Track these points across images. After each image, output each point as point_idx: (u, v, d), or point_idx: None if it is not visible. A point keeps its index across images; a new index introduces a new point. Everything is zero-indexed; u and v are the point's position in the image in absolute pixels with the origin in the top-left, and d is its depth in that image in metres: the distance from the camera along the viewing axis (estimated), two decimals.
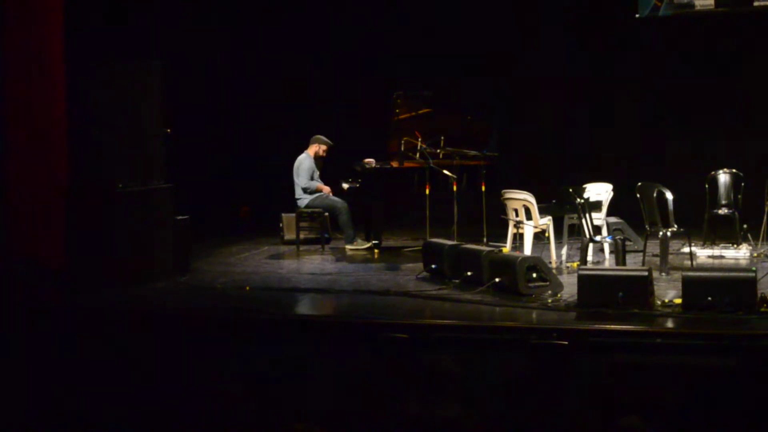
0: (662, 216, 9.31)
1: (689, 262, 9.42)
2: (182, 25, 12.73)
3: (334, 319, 7.96)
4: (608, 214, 10.05)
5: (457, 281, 8.68)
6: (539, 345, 6.74)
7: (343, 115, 13.01)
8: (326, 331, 7.53)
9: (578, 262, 9.09)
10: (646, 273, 7.66)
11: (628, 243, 9.45)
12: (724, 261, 9.73)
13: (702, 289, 7.38)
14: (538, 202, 9.57)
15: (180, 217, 9.62)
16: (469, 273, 8.58)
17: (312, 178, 11.04)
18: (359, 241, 10.91)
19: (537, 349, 6.71)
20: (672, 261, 9.34)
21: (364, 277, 9.27)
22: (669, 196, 9.40)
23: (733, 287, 7.34)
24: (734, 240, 10.14)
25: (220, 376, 4.85)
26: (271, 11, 13.64)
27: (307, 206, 11.02)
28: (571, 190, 9.26)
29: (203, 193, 12.57)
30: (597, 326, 7.12)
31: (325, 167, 11.29)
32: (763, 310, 7.24)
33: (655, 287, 7.79)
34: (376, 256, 10.58)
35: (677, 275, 8.28)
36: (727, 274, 7.69)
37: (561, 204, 9.51)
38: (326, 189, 11.04)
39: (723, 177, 10.52)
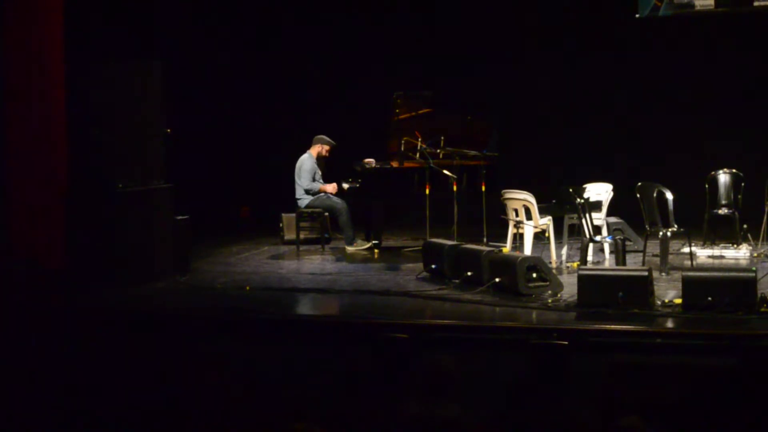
0: (662, 216, 9.31)
1: (689, 262, 9.42)
2: (182, 25, 12.74)
3: (334, 319, 7.96)
4: (608, 214, 10.06)
5: (457, 281, 8.68)
6: (539, 345, 6.74)
7: (343, 115, 13.01)
8: (326, 331, 7.53)
9: (578, 262, 9.09)
10: (646, 273, 7.66)
11: (628, 243, 9.45)
12: (724, 261, 9.73)
13: (702, 289, 7.38)
14: (538, 202, 9.57)
15: (180, 217, 9.62)
16: (469, 273, 8.58)
17: (314, 179, 11.03)
18: (359, 241, 10.91)
19: (537, 349, 6.71)
20: (672, 261, 9.34)
21: (364, 277, 9.27)
22: (669, 196, 9.40)
23: (733, 287, 7.34)
24: (734, 240, 10.14)
25: (220, 376, 4.85)
26: (272, 11, 13.64)
27: (307, 206, 11.01)
28: (571, 190, 9.26)
29: (203, 193, 12.57)
30: (597, 326, 7.12)
31: (325, 167, 11.29)
32: (763, 310, 7.24)
33: (655, 287, 7.79)
34: (376, 256, 10.58)
35: (677, 275, 8.28)
36: (727, 274, 7.69)
37: (561, 204, 9.51)
38: (329, 188, 11.00)
39: (723, 177, 10.52)
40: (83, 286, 8.64)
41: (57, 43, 9.14)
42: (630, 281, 7.60)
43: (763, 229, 9.86)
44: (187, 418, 4.59)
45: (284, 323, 7.76)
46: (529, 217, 9.60)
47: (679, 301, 7.55)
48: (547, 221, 9.58)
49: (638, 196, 9.42)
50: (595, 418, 4.41)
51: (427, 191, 10.65)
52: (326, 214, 11.11)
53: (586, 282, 7.68)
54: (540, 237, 9.82)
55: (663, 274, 8.85)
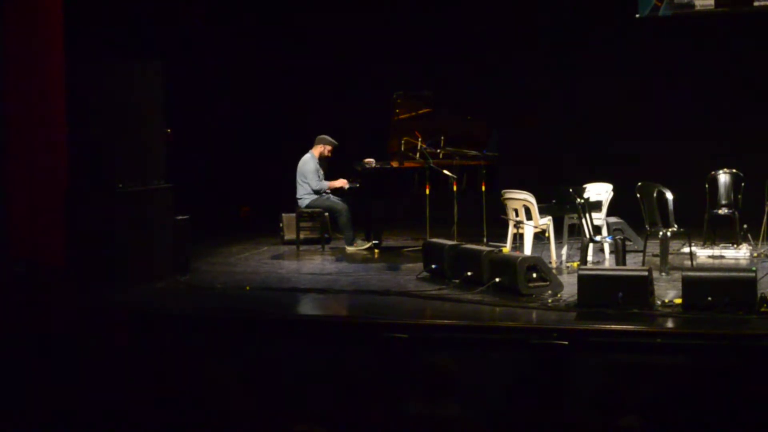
0: (662, 216, 9.31)
1: (689, 262, 9.43)
2: (182, 25, 12.74)
3: (334, 319, 7.96)
4: (608, 214, 10.06)
5: (457, 281, 8.68)
6: (539, 345, 6.74)
7: (343, 115, 13.01)
8: (326, 331, 7.54)
9: (578, 262, 9.09)
10: (646, 273, 7.66)
11: (628, 243, 9.45)
12: (724, 261, 9.74)
13: (702, 289, 7.38)
14: (538, 202, 9.57)
15: (180, 217, 9.62)
16: (469, 273, 8.58)
17: (318, 179, 11.02)
18: (359, 242, 10.91)
19: (537, 349, 6.71)
20: (672, 261, 9.34)
21: (364, 277, 9.27)
22: (669, 196, 9.40)
23: (733, 287, 7.34)
24: (734, 240, 10.14)
25: (220, 376, 4.84)
26: (272, 11, 13.64)
27: (307, 206, 11.01)
28: (571, 190, 9.26)
29: (203, 193, 12.57)
30: (597, 326, 7.12)
31: (327, 167, 11.28)
32: (763, 310, 7.24)
33: (655, 287, 7.79)
34: (376, 256, 10.58)
35: (677, 275, 8.28)
36: (727, 274, 7.70)
37: (561, 204, 9.51)
38: (338, 183, 10.98)
39: (723, 177, 10.52)
40: (83, 285, 8.64)
41: (57, 43, 9.14)
42: (630, 281, 7.60)
43: (763, 229, 9.87)
44: (187, 418, 4.59)
45: (284, 323, 7.76)
46: (529, 217, 9.60)
47: (679, 301, 7.55)
48: (547, 221, 9.58)
49: (638, 196, 9.42)
50: (595, 418, 4.40)
51: (427, 191, 10.65)
52: (326, 214, 11.11)
53: (586, 282, 7.68)
54: (540, 237, 9.82)
55: (663, 274, 8.85)
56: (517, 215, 9.69)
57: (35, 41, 9.07)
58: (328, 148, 11.15)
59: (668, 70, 12.82)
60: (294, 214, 11.25)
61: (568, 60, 13.07)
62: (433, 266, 9.08)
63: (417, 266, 9.49)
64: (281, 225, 11.60)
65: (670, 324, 7.30)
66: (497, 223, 10.37)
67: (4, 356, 6.46)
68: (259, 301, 8.41)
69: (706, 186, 10.50)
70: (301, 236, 11.15)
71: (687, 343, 6.77)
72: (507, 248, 9.66)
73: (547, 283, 8.20)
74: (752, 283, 7.36)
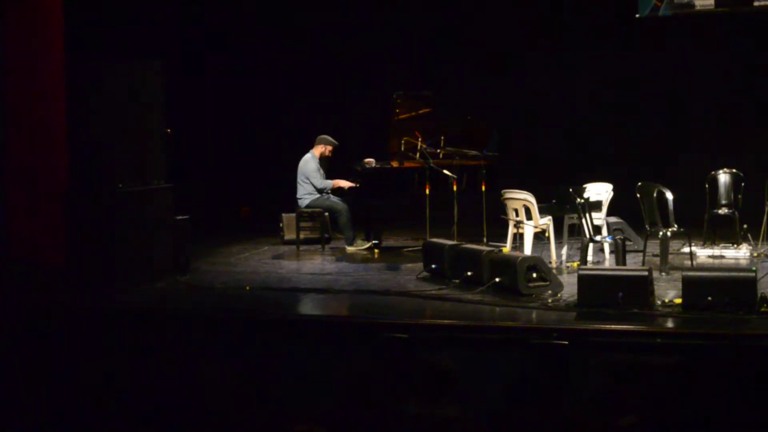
0: (662, 216, 9.31)
1: (689, 262, 9.43)
2: (182, 25, 12.74)
3: (334, 319, 7.96)
4: (608, 214, 10.06)
5: (457, 281, 8.68)
6: (539, 345, 6.74)
7: (343, 115, 13.01)
8: (326, 331, 7.53)
9: (578, 262, 9.09)
10: (646, 273, 7.66)
11: (628, 243, 9.45)
12: (724, 261, 9.74)
13: (702, 289, 7.38)
14: (538, 202, 9.57)
15: (180, 217, 9.62)
16: (469, 273, 8.58)
17: (321, 177, 11.02)
18: (359, 242, 10.91)
19: (537, 349, 6.71)
20: (672, 261, 9.34)
21: (364, 277, 9.27)
22: (669, 196, 9.40)
23: (733, 287, 7.34)
24: (734, 240, 10.15)
25: (220, 376, 4.84)
26: (271, 11, 13.64)
27: (307, 206, 11.01)
28: (571, 190, 9.26)
29: (203, 193, 12.58)
30: (597, 326, 7.12)
31: (327, 167, 11.28)
32: (763, 310, 7.24)
33: (655, 287, 7.79)
34: (376, 256, 10.58)
35: (677, 275, 8.28)
36: (727, 274, 7.70)
37: (561, 204, 9.51)
38: (344, 183, 10.97)
39: (723, 177, 10.52)
40: (83, 285, 8.64)
41: (57, 43, 9.15)
42: (630, 281, 7.60)
43: (763, 229, 9.86)
44: (186, 418, 4.59)
45: (284, 323, 7.76)
46: (529, 217, 9.60)
47: (679, 301, 7.55)
48: (547, 221, 9.58)
49: (638, 196, 9.41)
50: (595, 418, 4.40)
51: (427, 191, 10.65)
52: (326, 214, 11.11)
53: (586, 282, 7.67)
54: (540, 237, 9.82)
55: (663, 274, 8.85)
56: (517, 215, 9.69)
57: (35, 41, 9.08)
58: (329, 148, 11.15)
59: (668, 70, 12.82)
60: (294, 214, 11.25)
61: (568, 60, 13.06)
62: (433, 266, 9.08)
63: (417, 266, 9.49)
64: (281, 225, 11.61)
65: (670, 324, 7.30)
66: (497, 223, 10.37)
67: (3, 356, 6.46)
68: (259, 301, 8.41)
69: (706, 186, 10.50)
70: (301, 236, 11.15)
71: (687, 343, 6.77)
72: (507, 248, 9.66)
73: (547, 283, 8.20)
74: (752, 283, 7.35)
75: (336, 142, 11.16)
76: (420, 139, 10.96)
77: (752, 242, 10.01)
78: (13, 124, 9.06)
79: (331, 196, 11.02)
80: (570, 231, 9.75)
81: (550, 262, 9.35)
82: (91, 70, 9.14)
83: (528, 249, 9.53)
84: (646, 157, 12.59)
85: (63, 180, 9.13)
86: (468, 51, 13.28)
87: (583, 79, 13.00)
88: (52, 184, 9.09)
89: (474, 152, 11.11)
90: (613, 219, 10.16)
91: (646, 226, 9.39)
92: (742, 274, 7.62)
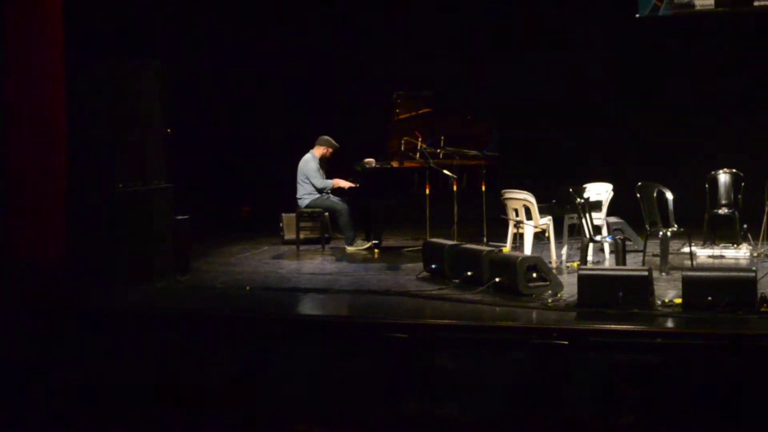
0: (662, 216, 9.31)
1: (689, 262, 9.42)
2: (182, 25, 12.74)
3: (334, 319, 7.96)
4: (608, 214, 10.05)
5: (457, 281, 8.67)
6: (539, 345, 6.74)
7: (343, 115, 13.01)
8: (326, 331, 7.53)
9: (578, 262, 9.08)
10: (646, 273, 7.66)
11: (628, 243, 9.45)
12: (724, 261, 9.73)
13: (702, 289, 7.37)
14: (538, 202, 9.57)
15: (180, 217, 9.62)
16: (469, 273, 8.57)
17: (321, 177, 11.02)
18: (359, 242, 10.91)
19: (537, 349, 6.71)
20: (672, 261, 9.34)
21: (364, 277, 9.27)
22: (669, 196, 9.40)
23: (733, 287, 7.34)
24: (734, 240, 10.14)
25: (220, 376, 4.85)
26: (271, 11, 13.64)
27: (307, 206, 11.01)
28: (571, 190, 9.25)
29: (203, 193, 12.58)
30: (597, 326, 7.12)
31: (327, 168, 11.28)
32: (763, 310, 7.24)
33: (655, 287, 7.79)
34: (376, 256, 10.58)
35: (677, 275, 8.28)
36: (727, 274, 7.69)
37: (561, 204, 9.51)
38: (344, 183, 10.97)
39: (723, 177, 10.52)
40: (83, 285, 8.64)
41: (57, 43, 9.14)
42: (630, 281, 7.60)
43: (763, 229, 9.86)
44: (186, 418, 4.59)
45: (284, 323, 7.76)
46: (529, 217, 9.60)
47: (679, 301, 7.55)
48: (547, 221, 9.58)
49: (638, 196, 9.41)
50: (595, 418, 4.41)
51: (427, 191, 10.65)
52: (326, 214, 11.11)
53: (586, 282, 7.67)
54: (540, 237, 9.82)
55: (663, 274, 8.85)
56: (517, 215, 9.69)
57: (35, 41, 9.07)
58: (330, 150, 11.14)
59: (668, 70, 12.82)
60: (294, 214, 11.25)
61: (568, 60, 13.06)
62: (433, 266, 9.08)
63: (417, 266, 9.49)
64: (281, 225, 11.61)
65: (670, 324, 7.30)
66: (497, 223, 10.37)
67: (4, 356, 6.46)
68: (259, 301, 8.40)
69: (706, 186, 10.49)
70: (301, 236, 11.15)
71: (687, 343, 6.77)
72: (507, 248, 9.66)
73: (547, 283, 8.20)
74: (752, 283, 7.35)
75: (337, 145, 11.15)
76: (420, 139, 10.96)
77: (752, 242, 10.01)
78: (13, 124, 9.05)
79: (331, 196, 11.02)
80: (570, 231, 9.75)
81: (550, 262, 9.35)
82: (91, 70, 9.14)
83: (528, 249, 9.53)
84: (646, 157, 12.59)
85: (63, 180, 9.13)
86: (468, 50, 13.28)
87: (583, 78, 13.00)
88: (52, 184, 9.08)
89: (474, 152, 11.11)
90: (613, 219, 10.15)
91: (646, 226, 9.39)
92: (742, 274, 7.61)
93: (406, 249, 10.99)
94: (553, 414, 4.47)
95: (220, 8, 13.41)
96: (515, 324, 7.36)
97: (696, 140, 12.50)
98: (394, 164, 10.97)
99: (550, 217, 9.62)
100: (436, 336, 7.23)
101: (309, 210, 11.05)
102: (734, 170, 10.51)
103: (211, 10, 13.33)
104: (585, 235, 9.03)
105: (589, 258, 9.19)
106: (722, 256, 9.86)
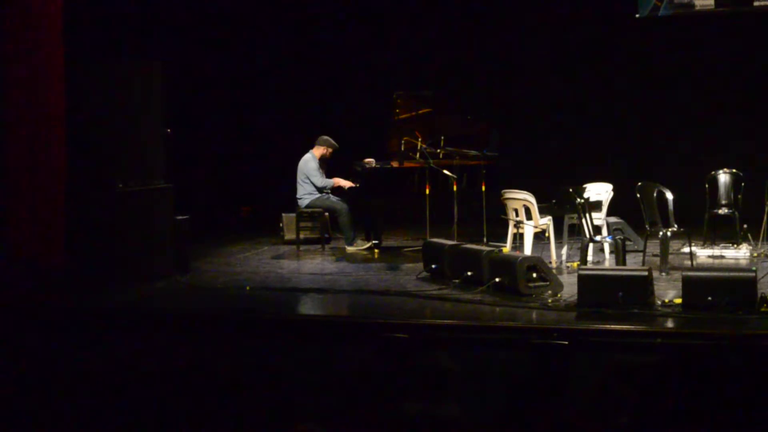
0: (662, 216, 9.31)
1: (689, 262, 9.42)
2: (182, 25, 12.74)
3: (335, 319, 7.96)
4: (608, 214, 10.05)
5: (457, 281, 8.67)
6: (539, 345, 6.74)
7: (343, 115, 13.02)
8: (326, 331, 7.53)
9: (578, 262, 9.08)
10: (646, 273, 7.66)
11: (628, 243, 9.45)
12: (724, 261, 9.73)
13: (702, 289, 7.38)
14: (538, 202, 9.57)
15: (180, 217, 9.62)
16: (469, 273, 8.57)
17: (322, 176, 11.02)
18: (359, 242, 10.91)
19: (537, 349, 6.71)
20: (672, 261, 9.34)
21: (364, 277, 9.27)
22: (669, 196, 9.40)
23: (733, 287, 7.34)
24: (734, 240, 10.14)
25: (220, 376, 4.85)
26: (271, 11, 13.64)
27: (307, 206, 11.01)
28: (571, 190, 9.25)
29: (203, 193, 12.58)
30: (597, 326, 7.11)
31: (327, 168, 11.28)
32: (763, 310, 7.23)
33: (655, 287, 7.79)
34: (376, 256, 10.58)
35: (677, 275, 8.28)
36: (727, 274, 7.69)
37: (561, 204, 9.51)
38: (344, 183, 10.97)
39: (723, 177, 10.52)
40: (83, 285, 8.64)
41: (57, 43, 9.14)
42: (630, 281, 7.60)
43: (763, 229, 9.86)
44: (186, 418, 4.59)
45: (284, 323, 7.76)
46: (529, 217, 9.60)
47: (679, 301, 7.55)
48: (547, 221, 9.58)
49: (638, 196, 9.41)
50: (595, 418, 4.41)
51: (427, 191, 10.65)
52: (326, 214, 11.11)
53: (586, 282, 7.67)
54: (540, 237, 9.82)
55: (663, 274, 8.85)
56: (517, 215, 9.69)
57: (35, 42, 9.07)
58: (329, 150, 11.15)
59: (668, 70, 12.82)
60: (294, 214, 11.25)
61: (568, 60, 13.06)
62: (433, 266, 9.08)
63: (417, 266, 9.49)
64: (281, 225, 11.61)
65: (670, 324, 7.30)
66: (497, 223, 10.37)
67: (3, 356, 6.46)
68: (259, 301, 8.41)
69: (706, 186, 10.49)
70: (301, 236, 11.15)
71: (687, 343, 6.76)
72: (507, 248, 9.66)
73: (547, 283, 8.20)
74: (752, 283, 7.35)
75: (336, 145, 11.15)
76: (420, 139, 10.96)
77: (752, 242, 10.01)
78: (13, 124, 9.05)
79: (331, 196, 11.02)
80: (570, 231, 9.75)
81: (550, 262, 9.35)
82: (91, 70, 9.14)
83: (528, 249, 9.53)
84: (646, 157, 12.59)
85: (63, 180, 9.13)
86: (468, 51, 13.28)
87: (583, 78, 13.00)
88: (52, 185, 9.08)
89: (474, 152, 11.11)
90: (613, 219, 10.16)
91: (646, 226, 9.39)
92: (742, 274, 7.61)
93: (406, 249, 10.99)
94: (553, 414, 4.47)
95: (220, 8, 13.41)
96: (515, 324, 7.36)
97: (696, 140, 12.50)
98: (394, 164, 10.97)
99: (550, 217, 9.62)
100: (436, 336, 7.23)
101: (309, 210, 11.05)
102: (734, 170, 10.51)
103: (211, 9, 13.32)
104: (585, 235, 9.04)
105: (589, 258, 9.19)
106: (722, 256, 9.85)
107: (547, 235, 9.62)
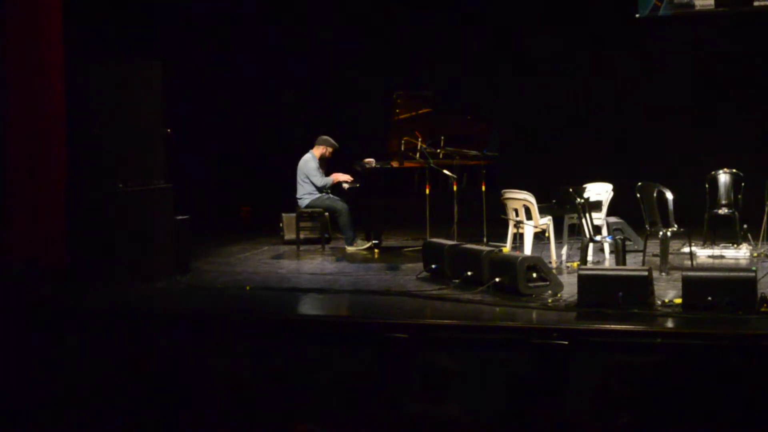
0: (662, 216, 9.31)
1: (689, 262, 9.42)
2: (182, 25, 12.74)
3: (334, 319, 7.96)
4: (608, 214, 10.06)
5: (457, 281, 8.67)
6: (539, 345, 6.74)
7: (343, 115, 13.02)
8: (326, 331, 7.53)
9: (578, 262, 9.08)
10: (646, 273, 7.65)
11: (628, 243, 9.45)
12: (724, 261, 9.73)
13: (702, 289, 7.37)
14: (538, 202, 9.57)
15: (180, 217, 9.62)
16: (469, 273, 8.57)
17: (321, 176, 11.02)
18: (359, 242, 10.91)
19: (537, 349, 6.71)
20: (672, 261, 9.34)
21: (364, 277, 9.27)
22: (669, 196, 9.40)
23: (733, 287, 7.33)
24: (734, 240, 10.14)
25: (220, 376, 4.85)
26: (271, 11, 13.64)
27: (307, 206, 11.01)
28: (571, 190, 9.26)
29: (203, 193, 12.58)
30: (597, 326, 7.11)
31: (326, 168, 11.28)
32: (763, 310, 7.23)
33: (655, 287, 7.79)
34: (376, 256, 10.58)
35: (677, 275, 8.27)
36: (727, 274, 7.68)
37: (561, 204, 9.51)
38: (343, 177, 10.97)
39: (723, 177, 10.52)
40: (83, 286, 8.64)
41: (57, 43, 9.14)
42: (630, 281, 7.60)
43: (763, 229, 9.86)
44: (186, 418, 4.59)
45: (284, 323, 7.76)
46: (529, 217, 9.60)
47: (679, 301, 7.55)
48: (547, 221, 9.58)
49: (638, 196, 9.41)
50: (595, 418, 4.41)
51: (427, 191, 10.65)
52: (326, 214, 11.11)
53: (586, 282, 7.67)
54: (540, 237, 9.82)
55: (663, 274, 8.85)
56: (517, 215, 9.69)
57: (35, 41, 9.07)
58: (329, 150, 11.15)
59: (668, 70, 12.82)
60: (294, 214, 11.25)
61: (568, 60, 13.07)
62: (433, 266, 9.08)
63: (417, 266, 9.49)
64: (281, 225, 11.61)
65: (670, 324, 7.29)
66: (497, 223, 10.37)
67: (4, 356, 6.46)
68: (259, 301, 8.40)
69: (706, 186, 10.49)
70: (301, 236, 11.15)
71: (687, 343, 6.76)
72: (507, 248, 9.66)
73: (547, 283, 8.20)
74: (752, 283, 7.35)
75: (336, 145, 11.16)
76: (420, 139, 10.96)
77: (752, 242, 10.01)
78: (13, 123, 9.06)
79: (331, 196, 11.02)
80: (570, 231, 9.75)
81: (550, 262, 9.35)
82: (91, 70, 9.14)
83: (528, 249, 9.53)
84: (646, 157, 12.59)
85: (63, 180, 9.13)
86: (468, 51, 13.28)
87: (583, 78, 13.00)
88: (52, 185, 9.08)
89: (474, 152, 11.11)
90: (613, 219, 10.16)
91: (646, 226, 9.39)
92: (742, 274, 7.61)
93: (406, 249, 10.99)
94: (553, 414, 4.47)
95: (220, 8, 13.41)
96: (515, 324, 7.36)
97: (696, 140, 12.50)
98: (394, 164, 10.97)
99: (550, 217, 9.62)
100: (436, 336, 7.23)
101: (309, 210, 11.05)
102: (734, 170, 10.51)
103: (211, 9, 13.32)
104: (585, 235, 9.04)
105: (589, 258, 9.19)
106: (722, 256, 9.85)
107: (547, 235, 9.62)
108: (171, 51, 11.12)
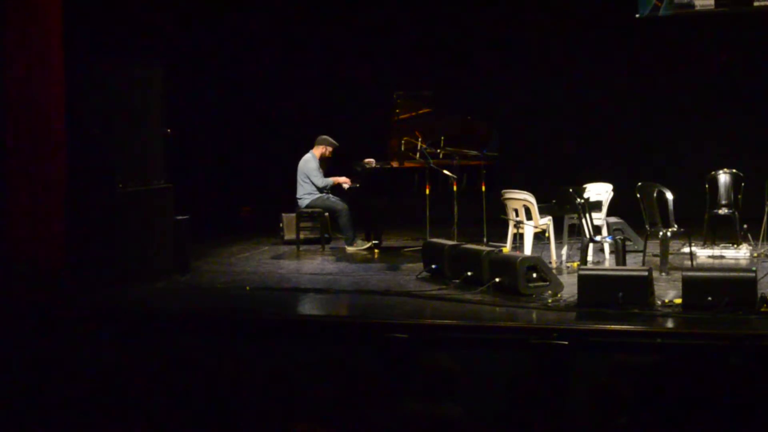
0: (662, 216, 9.31)
1: (689, 262, 9.42)
2: (182, 25, 12.74)
3: (335, 319, 7.96)
4: (608, 214, 10.06)
5: (457, 281, 8.67)
6: (539, 345, 6.74)
7: (343, 115, 13.01)
8: (326, 331, 7.53)
9: (578, 262, 9.09)
10: (646, 273, 7.66)
11: (628, 243, 9.45)
12: (724, 261, 9.73)
13: (702, 289, 7.37)
14: (538, 202, 9.57)
15: (180, 217, 9.62)
16: (469, 273, 8.57)
17: (321, 176, 11.02)
18: (359, 242, 10.91)
19: (537, 349, 6.71)
20: (672, 261, 9.34)
21: (364, 277, 9.27)
22: (669, 196, 9.40)
23: (733, 287, 7.34)
24: (734, 240, 10.14)
25: (220, 376, 4.84)
26: (271, 11, 13.63)
27: (307, 206, 11.01)
28: (571, 190, 9.26)
29: (203, 193, 12.58)
30: (597, 326, 7.12)
31: (327, 168, 11.29)
32: (763, 310, 7.24)
33: (655, 287, 7.79)
34: (376, 256, 10.59)
35: (677, 275, 8.27)
36: (727, 274, 7.69)
37: (561, 204, 9.51)
38: (343, 180, 10.98)
39: (723, 177, 10.52)
40: (83, 286, 8.64)
41: (57, 43, 9.14)
42: (630, 281, 7.60)
43: (763, 229, 9.86)
44: (185, 418, 4.59)
45: (284, 323, 7.76)
46: (529, 217, 9.60)
47: (679, 301, 7.55)
48: (547, 221, 9.58)
49: (638, 196, 9.41)
50: (595, 418, 4.41)
51: (427, 191, 10.65)
52: (326, 214, 11.10)
53: (586, 282, 7.67)
54: (540, 237, 9.82)
55: (663, 274, 8.85)
56: (517, 215, 9.69)
57: (35, 41, 9.07)
58: (329, 149, 11.15)
59: (668, 70, 12.82)
60: (294, 214, 11.25)
61: (568, 60, 13.06)
62: (433, 266, 9.08)
63: (417, 266, 9.49)
64: (281, 225, 11.61)
65: (670, 324, 7.30)
66: (497, 223, 10.36)
67: (3, 356, 6.46)
68: (259, 301, 8.41)
69: (706, 186, 10.49)
70: (301, 236, 11.15)
71: (687, 343, 6.76)
72: (507, 248, 9.66)
73: (547, 283, 8.20)
74: (752, 283, 7.35)
75: (336, 144, 11.16)
76: (420, 139, 10.95)
77: (752, 242, 10.01)
78: (13, 124, 9.05)
79: (331, 196, 11.02)
80: (570, 231, 9.75)
81: (550, 262, 9.35)
82: (91, 70, 9.14)
83: (528, 249, 9.53)
84: (646, 157, 12.59)
85: (63, 180, 9.12)
86: (468, 51, 13.27)
87: (583, 78, 13.00)
88: (52, 185, 9.08)
89: (474, 152, 11.11)
90: (613, 219, 10.16)
91: (646, 226, 9.39)
92: (742, 274, 7.61)
93: (406, 249, 10.99)
94: (553, 414, 4.47)
95: (220, 8, 13.41)
96: (515, 324, 7.36)
97: (696, 140, 12.50)
98: (394, 164, 10.97)
99: (550, 217, 9.62)
100: (436, 336, 7.23)
101: (309, 210, 11.05)
102: (734, 170, 10.51)
103: (212, 10, 13.32)
104: (585, 235, 9.04)
105: (589, 258, 9.19)
106: (722, 256, 9.86)
107: (547, 235, 9.62)
108: (172, 51, 11.12)
